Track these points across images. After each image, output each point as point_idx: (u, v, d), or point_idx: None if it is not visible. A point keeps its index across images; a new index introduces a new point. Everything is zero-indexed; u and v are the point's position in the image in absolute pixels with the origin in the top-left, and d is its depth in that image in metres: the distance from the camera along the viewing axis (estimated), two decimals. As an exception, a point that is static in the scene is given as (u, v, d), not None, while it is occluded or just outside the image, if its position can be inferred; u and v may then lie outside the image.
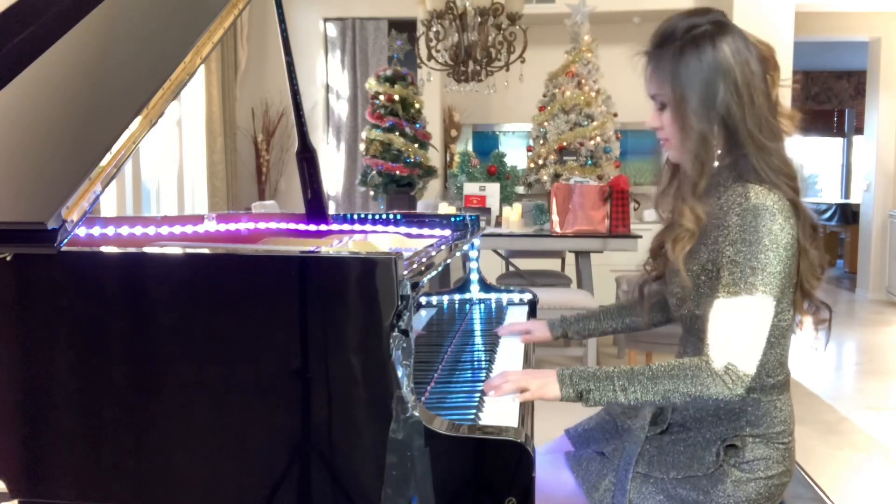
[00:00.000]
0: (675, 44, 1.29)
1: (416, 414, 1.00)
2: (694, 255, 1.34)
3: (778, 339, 1.34)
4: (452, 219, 2.11)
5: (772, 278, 1.23)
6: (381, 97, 5.33)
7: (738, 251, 1.24)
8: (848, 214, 8.92)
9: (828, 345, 1.43)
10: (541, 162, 5.58)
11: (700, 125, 1.29)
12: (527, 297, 2.10)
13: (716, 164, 1.33)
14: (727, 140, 1.32)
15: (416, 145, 5.35)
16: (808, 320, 1.41)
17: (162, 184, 5.10)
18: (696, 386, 1.22)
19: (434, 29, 4.52)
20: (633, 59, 1.37)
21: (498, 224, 4.64)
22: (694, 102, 1.28)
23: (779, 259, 1.23)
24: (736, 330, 1.22)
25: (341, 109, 6.47)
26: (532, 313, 2.05)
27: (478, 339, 1.80)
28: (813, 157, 11.46)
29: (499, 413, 1.21)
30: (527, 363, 1.61)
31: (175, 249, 1.06)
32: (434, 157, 5.71)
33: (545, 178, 5.47)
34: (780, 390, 1.37)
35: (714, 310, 1.25)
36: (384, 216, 2.14)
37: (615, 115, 5.62)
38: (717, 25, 1.30)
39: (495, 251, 4.83)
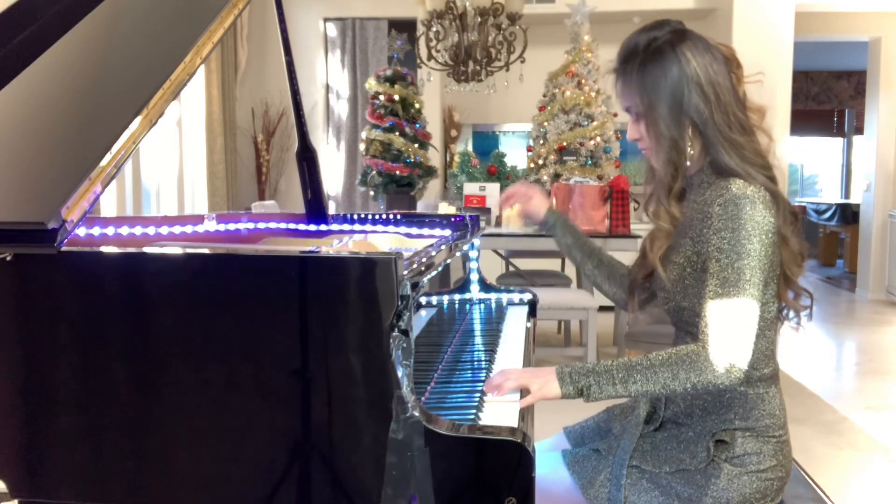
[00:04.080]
0: (639, 57, 1.36)
1: (416, 414, 1.00)
2: (679, 248, 1.38)
3: (763, 331, 1.36)
4: (452, 219, 2.11)
5: (757, 263, 1.26)
6: (381, 97, 5.33)
7: (722, 238, 1.28)
8: (848, 214, 8.91)
9: (809, 321, 1.46)
10: (541, 162, 5.58)
11: (670, 131, 1.35)
12: (527, 297, 2.10)
13: (688, 164, 1.38)
14: (702, 140, 1.36)
15: (416, 145, 5.35)
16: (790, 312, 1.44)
17: (162, 184, 5.10)
18: (694, 372, 1.24)
19: (434, 29, 4.52)
20: (603, 70, 1.43)
21: (498, 224, 4.64)
22: (663, 109, 1.34)
23: (762, 245, 1.27)
24: (729, 317, 1.25)
25: (341, 109, 6.47)
26: (532, 313, 2.05)
27: (478, 339, 1.80)
28: (813, 157, 11.47)
29: (499, 413, 1.21)
30: (527, 363, 1.61)
31: (175, 249, 1.06)
32: (434, 157, 5.71)
33: (545, 178, 5.47)
34: (767, 383, 1.39)
35: (706, 298, 1.28)
36: (384, 216, 2.14)
37: (615, 115, 5.62)
38: (675, 34, 1.36)
39: (495, 251, 4.83)
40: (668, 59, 1.33)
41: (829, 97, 10.72)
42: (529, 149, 5.83)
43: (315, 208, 2.05)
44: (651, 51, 1.35)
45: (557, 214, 1.73)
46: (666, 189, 1.38)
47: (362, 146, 5.50)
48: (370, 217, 2.14)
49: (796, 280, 1.38)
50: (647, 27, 1.38)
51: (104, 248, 1.05)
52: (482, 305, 2.08)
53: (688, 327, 1.39)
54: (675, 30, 1.37)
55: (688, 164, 1.38)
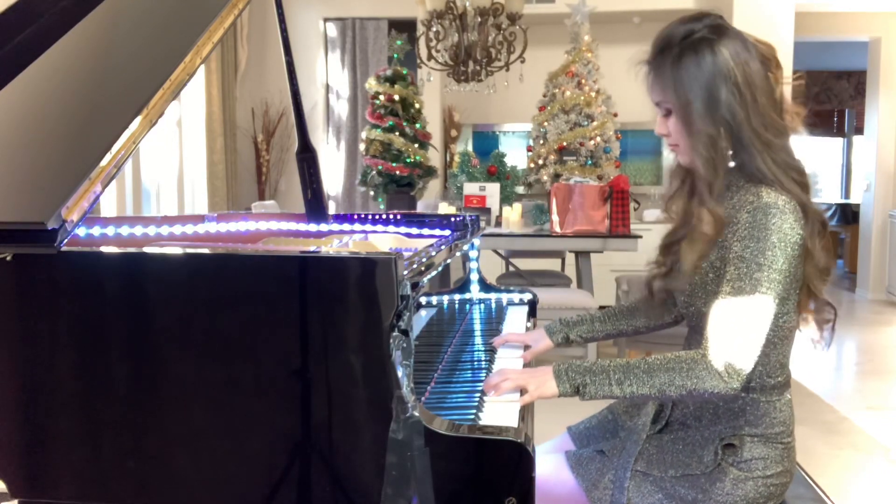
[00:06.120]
0: (674, 50, 1.30)
1: (416, 414, 1.00)
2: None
3: (781, 340, 1.34)
4: (452, 219, 2.11)
5: (776, 275, 1.23)
6: (381, 97, 5.33)
7: (745, 247, 1.25)
8: (848, 214, 8.92)
9: (830, 345, 1.41)
10: (541, 162, 5.58)
11: (706, 128, 1.29)
12: (527, 297, 2.10)
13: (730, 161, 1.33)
14: (733, 142, 1.32)
15: (416, 145, 5.35)
16: (811, 322, 1.40)
17: (162, 184, 5.10)
18: (691, 379, 1.22)
19: (434, 29, 4.52)
20: (632, 60, 1.38)
21: (498, 224, 4.64)
22: (698, 106, 1.29)
23: (786, 257, 1.24)
24: (735, 325, 1.23)
25: (341, 109, 6.47)
26: (532, 313, 2.05)
27: (478, 340, 1.80)
28: (813, 157, 11.46)
29: (499, 413, 1.21)
30: (527, 363, 1.61)
31: (175, 249, 1.06)
32: (434, 157, 5.71)
33: (545, 178, 5.48)
34: (780, 391, 1.37)
35: (716, 304, 1.25)
36: (384, 216, 2.14)
37: (615, 115, 5.62)
38: (714, 29, 1.31)
39: (495, 251, 4.83)
40: (705, 55, 1.28)
41: (829, 97, 10.72)
42: (529, 149, 5.83)
43: (315, 208, 2.05)
44: (688, 44, 1.29)
45: (557, 329, 1.65)
46: (708, 187, 1.31)
47: (362, 146, 5.50)
48: (370, 217, 2.13)
49: (820, 294, 1.34)
50: (685, 18, 1.33)
51: (104, 248, 1.05)
52: (482, 305, 2.08)
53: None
54: (713, 24, 1.31)
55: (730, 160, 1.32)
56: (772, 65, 1.34)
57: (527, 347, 1.67)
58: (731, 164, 1.33)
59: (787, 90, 1.40)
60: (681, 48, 1.30)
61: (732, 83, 1.28)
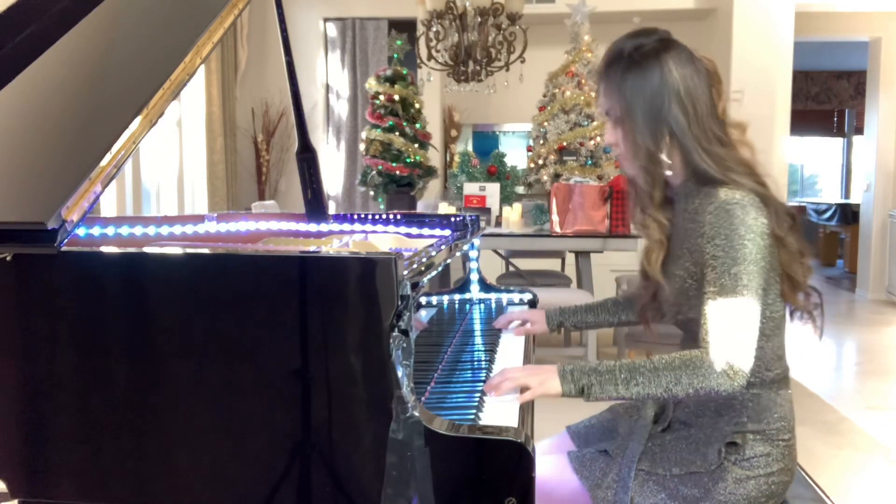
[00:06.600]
0: (623, 62, 1.36)
1: (416, 414, 1.00)
2: (678, 261, 1.38)
3: (773, 331, 1.36)
4: (452, 219, 2.11)
5: (753, 266, 1.26)
6: (381, 97, 5.33)
7: (716, 246, 1.27)
8: (848, 214, 8.91)
9: (823, 334, 1.44)
10: (541, 162, 5.57)
11: (647, 138, 1.35)
12: (527, 297, 2.10)
13: (669, 173, 1.38)
14: (681, 151, 1.36)
15: (416, 145, 5.35)
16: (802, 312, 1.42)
17: (162, 184, 5.10)
18: (697, 377, 1.23)
19: (434, 29, 4.52)
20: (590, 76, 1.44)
21: (498, 224, 4.63)
22: (640, 116, 1.35)
23: (757, 248, 1.26)
24: (728, 323, 1.25)
25: (341, 109, 6.47)
26: (532, 313, 2.05)
27: (478, 339, 1.80)
28: (813, 157, 11.46)
29: (499, 413, 1.21)
30: (527, 363, 1.61)
31: (175, 249, 1.06)
32: (434, 157, 5.70)
33: (545, 178, 5.47)
34: (779, 385, 1.39)
35: (705, 306, 1.27)
36: (384, 216, 2.14)
37: (615, 115, 5.61)
38: (661, 43, 1.37)
39: (495, 251, 4.83)
40: (651, 67, 1.34)
41: (829, 97, 10.72)
42: (529, 149, 5.82)
43: (315, 208, 2.05)
44: (635, 57, 1.35)
45: (554, 316, 1.75)
46: (648, 198, 1.39)
47: (362, 146, 5.49)
48: (370, 217, 2.13)
49: (803, 281, 1.37)
50: (634, 33, 1.39)
51: (104, 248, 1.05)
52: (482, 305, 2.08)
53: (697, 336, 1.38)
54: (662, 38, 1.37)
55: (669, 173, 1.38)
56: (714, 80, 1.39)
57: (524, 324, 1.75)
58: (671, 174, 1.38)
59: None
60: (629, 61, 1.36)
61: (675, 93, 1.33)
